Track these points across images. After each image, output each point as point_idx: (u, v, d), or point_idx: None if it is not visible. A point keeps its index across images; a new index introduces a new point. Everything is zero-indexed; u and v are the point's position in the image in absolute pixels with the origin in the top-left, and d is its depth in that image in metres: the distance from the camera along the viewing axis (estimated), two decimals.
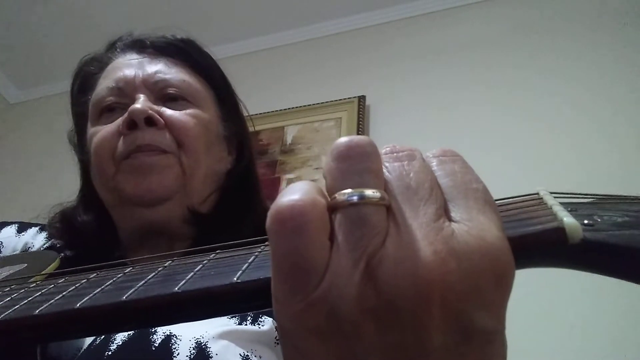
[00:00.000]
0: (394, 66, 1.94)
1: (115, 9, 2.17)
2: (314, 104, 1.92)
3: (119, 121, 0.64)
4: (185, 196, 0.64)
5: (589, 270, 0.24)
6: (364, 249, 0.22)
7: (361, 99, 1.86)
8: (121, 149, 0.63)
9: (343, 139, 0.25)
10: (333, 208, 0.24)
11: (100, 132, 0.65)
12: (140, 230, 0.64)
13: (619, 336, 1.21)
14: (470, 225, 0.23)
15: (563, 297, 1.26)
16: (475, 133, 1.63)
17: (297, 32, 2.19)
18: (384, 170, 0.25)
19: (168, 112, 0.65)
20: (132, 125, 0.62)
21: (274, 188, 1.73)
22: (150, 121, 0.62)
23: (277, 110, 1.92)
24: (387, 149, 0.26)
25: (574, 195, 0.27)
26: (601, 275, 0.24)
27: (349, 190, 0.23)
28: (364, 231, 0.22)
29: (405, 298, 0.21)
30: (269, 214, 0.23)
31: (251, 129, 0.78)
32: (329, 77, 2.00)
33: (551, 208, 0.25)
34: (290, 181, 1.79)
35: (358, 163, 0.24)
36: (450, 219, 0.23)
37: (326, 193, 0.25)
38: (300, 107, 1.93)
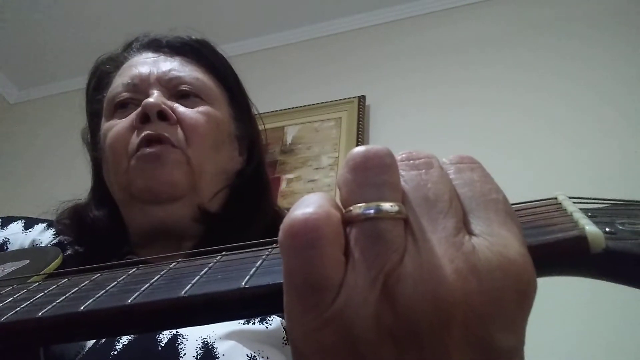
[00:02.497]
0: (394, 66, 1.94)
1: (115, 9, 2.16)
2: (314, 104, 1.92)
3: (133, 116, 0.65)
4: (195, 196, 0.64)
5: (611, 280, 0.23)
6: (382, 267, 0.21)
7: (361, 99, 1.85)
8: (134, 143, 0.63)
9: (360, 149, 0.24)
10: (348, 221, 0.23)
11: (115, 127, 0.66)
12: (150, 229, 0.64)
13: (618, 337, 1.20)
14: (492, 241, 0.22)
15: (562, 296, 1.26)
16: (476, 133, 1.63)
17: (297, 32, 2.19)
18: (400, 179, 0.24)
19: (181, 108, 0.66)
20: (145, 118, 0.63)
21: (274, 188, 1.73)
22: (162, 115, 0.63)
23: (277, 110, 1.92)
24: (403, 155, 0.25)
25: (589, 201, 0.26)
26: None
27: (365, 204, 0.22)
28: (381, 248, 0.22)
29: (424, 318, 0.21)
30: (281, 227, 0.22)
31: (260, 127, 0.79)
32: (329, 77, 2.00)
33: (571, 215, 0.24)
34: (290, 181, 1.79)
35: (375, 175, 0.23)
36: (470, 232, 0.22)
37: (340, 205, 0.24)
38: (300, 107, 1.93)
